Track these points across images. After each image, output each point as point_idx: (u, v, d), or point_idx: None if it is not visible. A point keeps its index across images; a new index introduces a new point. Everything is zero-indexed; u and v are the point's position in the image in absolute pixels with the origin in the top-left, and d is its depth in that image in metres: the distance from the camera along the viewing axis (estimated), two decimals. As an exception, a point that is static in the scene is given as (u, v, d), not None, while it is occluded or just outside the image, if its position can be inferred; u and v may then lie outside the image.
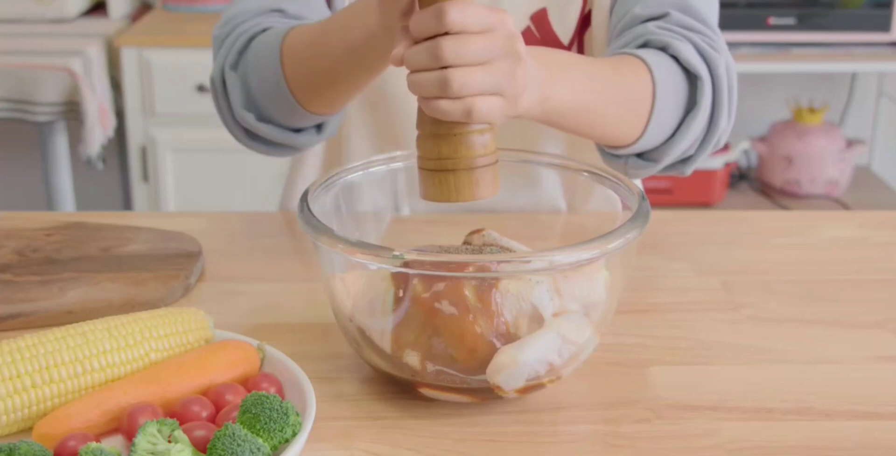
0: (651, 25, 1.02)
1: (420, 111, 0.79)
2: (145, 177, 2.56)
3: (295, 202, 1.28)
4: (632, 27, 1.05)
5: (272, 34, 1.03)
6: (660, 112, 0.97)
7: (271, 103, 1.04)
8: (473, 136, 0.78)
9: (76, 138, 2.35)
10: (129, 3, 2.71)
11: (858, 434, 0.80)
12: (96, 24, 2.55)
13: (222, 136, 2.76)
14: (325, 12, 1.11)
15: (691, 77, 1.00)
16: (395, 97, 1.18)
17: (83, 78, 2.31)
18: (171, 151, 2.52)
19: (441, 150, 0.78)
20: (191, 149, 2.51)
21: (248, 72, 1.04)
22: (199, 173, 2.53)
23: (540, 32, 1.14)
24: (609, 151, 1.03)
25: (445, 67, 0.75)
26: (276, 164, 2.46)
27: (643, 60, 0.97)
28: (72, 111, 2.31)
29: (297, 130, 1.06)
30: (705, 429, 0.80)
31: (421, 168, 0.80)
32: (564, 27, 1.14)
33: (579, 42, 1.16)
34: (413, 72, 0.77)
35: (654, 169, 1.04)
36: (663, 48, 1.00)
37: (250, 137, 1.08)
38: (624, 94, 0.94)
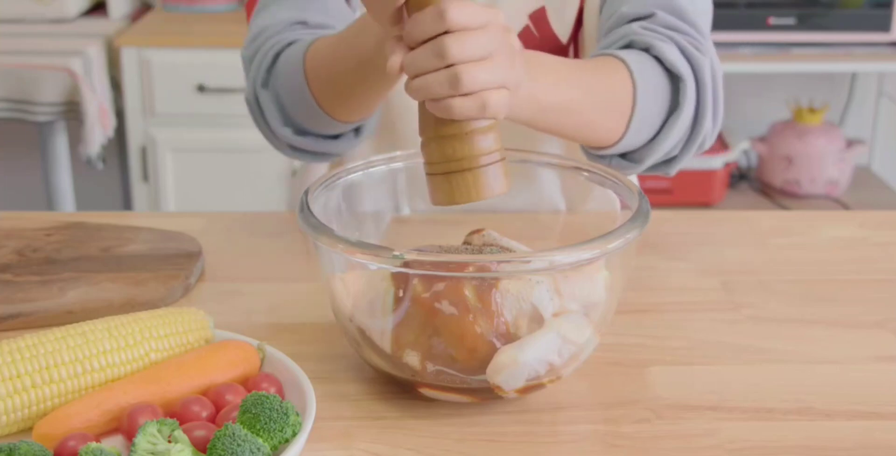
0: (636, 26, 1.03)
1: (423, 116, 0.79)
2: (145, 177, 2.56)
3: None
4: (618, 27, 1.06)
5: (296, 49, 1.04)
6: (641, 113, 0.97)
7: (304, 116, 1.05)
8: (479, 133, 0.78)
9: (76, 138, 2.35)
10: (129, 3, 2.71)
11: (858, 434, 0.80)
12: (96, 24, 2.55)
13: (222, 136, 2.76)
14: (348, 18, 1.12)
15: (674, 78, 1.00)
16: (394, 98, 1.19)
17: (83, 78, 2.31)
18: (171, 151, 2.52)
19: (448, 151, 0.78)
20: (191, 149, 2.51)
21: (278, 88, 1.06)
22: (199, 173, 2.53)
23: (538, 31, 1.14)
24: (592, 152, 1.03)
25: (450, 66, 0.75)
26: (275, 165, 2.46)
27: (623, 62, 0.97)
28: (72, 111, 2.31)
29: (336, 137, 1.09)
30: (705, 429, 0.80)
31: (430, 174, 0.80)
32: (563, 26, 1.14)
33: (575, 41, 1.16)
34: (415, 76, 0.77)
35: (638, 169, 1.05)
36: (647, 49, 1.01)
37: (294, 150, 1.10)
38: (604, 96, 0.95)
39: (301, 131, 1.08)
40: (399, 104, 1.18)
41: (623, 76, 0.96)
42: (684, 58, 1.01)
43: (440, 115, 0.77)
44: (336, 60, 0.99)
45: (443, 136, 0.78)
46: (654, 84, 0.98)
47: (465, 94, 0.76)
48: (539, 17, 1.13)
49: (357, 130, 1.10)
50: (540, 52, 0.90)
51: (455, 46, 0.75)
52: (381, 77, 0.95)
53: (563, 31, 1.14)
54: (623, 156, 1.04)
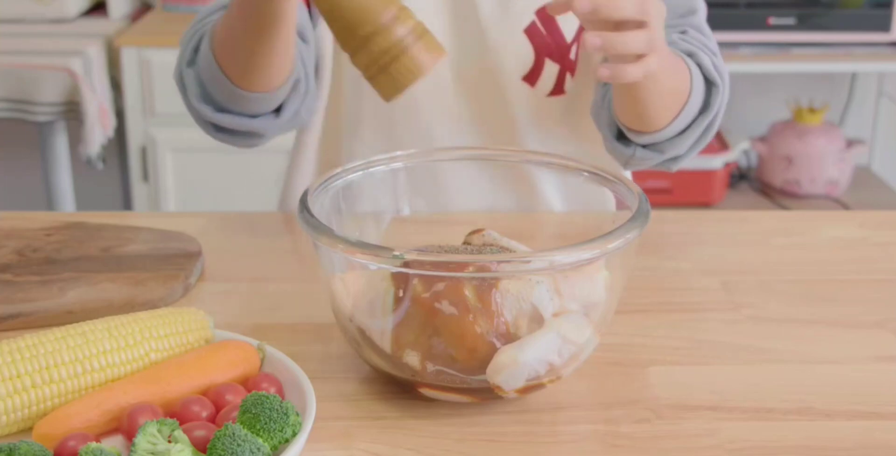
0: (675, 35, 1.10)
1: (339, 31, 0.82)
2: (145, 177, 2.56)
3: (293, 202, 1.28)
4: None
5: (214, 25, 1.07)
6: (687, 107, 1.04)
7: (218, 91, 1.07)
8: (393, 21, 0.81)
9: (76, 138, 2.35)
10: (129, 3, 2.71)
11: (858, 434, 0.80)
12: (96, 24, 2.55)
13: (222, 136, 2.71)
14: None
15: (708, 84, 1.08)
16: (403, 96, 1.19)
17: (83, 78, 2.31)
18: (171, 151, 2.52)
19: (375, 49, 0.81)
20: (191, 149, 2.51)
21: (199, 67, 1.08)
22: (199, 173, 2.53)
23: (545, 28, 1.14)
24: (630, 135, 1.08)
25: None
26: (276, 165, 2.46)
27: (680, 56, 1.04)
28: (72, 111, 2.31)
29: (254, 116, 1.09)
30: (705, 429, 0.80)
31: (371, 78, 0.82)
32: (569, 24, 1.14)
33: (578, 40, 1.16)
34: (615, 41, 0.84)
35: (655, 161, 1.12)
36: (689, 55, 1.07)
37: (217, 130, 1.12)
38: (677, 76, 1.02)
39: (220, 109, 1.09)
40: (400, 106, 1.18)
41: (685, 67, 1.04)
42: (716, 70, 1.08)
43: (638, 76, 0.87)
44: (227, 26, 1.02)
45: (366, 38, 0.80)
46: (698, 82, 1.05)
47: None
48: (547, 14, 1.14)
49: (277, 112, 1.10)
50: None
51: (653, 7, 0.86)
52: (261, 32, 0.98)
53: (569, 30, 1.15)
54: (645, 146, 1.09)
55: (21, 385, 0.77)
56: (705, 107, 1.07)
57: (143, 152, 2.53)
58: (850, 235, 1.18)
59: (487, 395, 0.81)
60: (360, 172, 0.94)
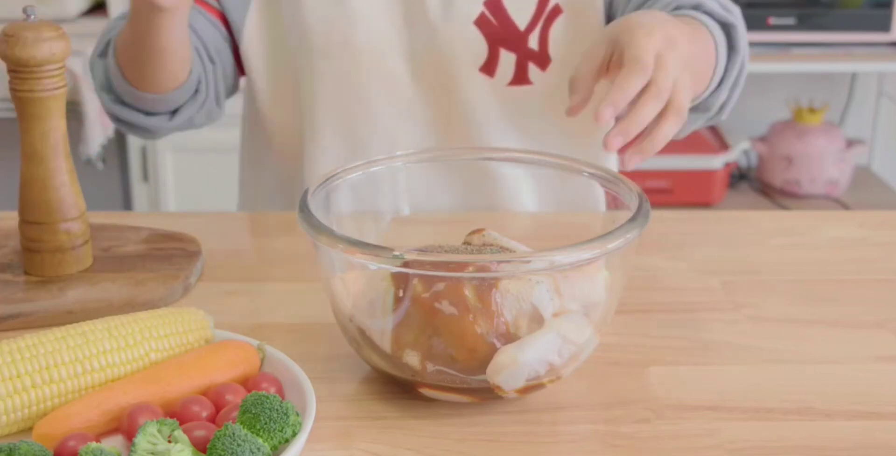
0: None
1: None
2: (145, 177, 2.56)
3: (252, 204, 1.30)
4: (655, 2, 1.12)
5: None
6: (717, 66, 1.05)
7: (118, 86, 1.15)
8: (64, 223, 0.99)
9: (76, 138, 2.35)
10: (129, 3, 2.71)
11: (858, 434, 0.80)
12: (96, 24, 2.55)
13: (222, 136, 2.76)
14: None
15: (725, 27, 1.08)
16: (362, 101, 1.19)
17: (83, 78, 2.31)
18: (171, 151, 2.52)
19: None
20: (191, 149, 2.51)
21: (107, 60, 1.15)
22: (199, 173, 2.53)
23: (496, 18, 1.16)
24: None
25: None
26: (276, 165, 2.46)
27: (695, 18, 1.05)
28: (72, 111, 2.31)
29: (149, 114, 1.18)
30: (705, 429, 0.80)
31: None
32: (521, 13, 1.17)
33: (543, 32, 1.17)
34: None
35: (703, 119, 1.13)
36: (695, 7, 1.08)
37: (115, 119, 1.20)
38: (701, 49, 1.02)
39: (118, 100, 1.17)
40: (358, 110, 1.19)
41: (700, 27, 1.04)
42: (725, 9, 1.09)
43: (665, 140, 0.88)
44: (125, 32, 1.10)
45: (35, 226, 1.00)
46: (717, 34, 1.06)
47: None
48: (495, 4, 1.15)
49: (173, 114, 1.19)
50: (662, 17, 0.95)
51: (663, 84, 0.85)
52: (143, 36, 1.06)
53: (521, 19, 1.16)
54: (691, 109, 1.10)
55: (21, 385, 0.77)
56: (731, 50, 1.08)
57: (143, 152, 2.53)
58: (850, 235, 1.18)
59: (487, 395, 0.81)
60: (360, 172, 0.94)
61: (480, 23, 1.16)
